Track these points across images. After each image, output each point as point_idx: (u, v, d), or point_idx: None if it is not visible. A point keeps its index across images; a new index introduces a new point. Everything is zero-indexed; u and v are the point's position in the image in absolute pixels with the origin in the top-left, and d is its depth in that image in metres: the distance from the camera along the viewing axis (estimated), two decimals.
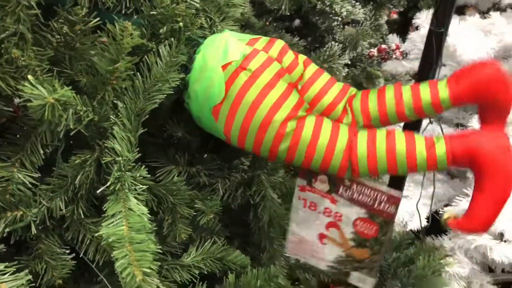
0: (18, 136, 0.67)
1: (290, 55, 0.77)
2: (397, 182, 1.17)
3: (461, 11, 1.77)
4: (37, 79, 0.54)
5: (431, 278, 1.25)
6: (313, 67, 0.79)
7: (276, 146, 0.72)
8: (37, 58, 0.60)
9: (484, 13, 1.65)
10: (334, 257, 0.90)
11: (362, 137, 0.72)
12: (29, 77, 0.53)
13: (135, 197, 0.63)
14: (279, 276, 0.82)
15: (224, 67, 0.71)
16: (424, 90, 0.72)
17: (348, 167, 0.72)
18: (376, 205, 0.80)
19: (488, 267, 1.71)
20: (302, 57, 0.79)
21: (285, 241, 0.94)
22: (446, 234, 1.69)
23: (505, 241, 1.46)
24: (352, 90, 0.78)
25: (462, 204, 1.53)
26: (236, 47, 0.73)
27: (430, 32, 1.03)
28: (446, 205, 1.68)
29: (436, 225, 1.69)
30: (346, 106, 0.76)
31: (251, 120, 0.71)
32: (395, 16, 2.57)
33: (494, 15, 1.49)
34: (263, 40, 0.77)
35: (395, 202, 0.79)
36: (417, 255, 1.30)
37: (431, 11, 1.70)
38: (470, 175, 1.66)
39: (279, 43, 0.78)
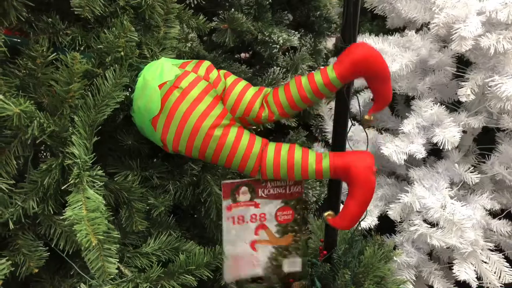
0: None
1: (214, 73, 0.96)
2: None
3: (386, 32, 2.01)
4: (7, 98, 0.71)
5: (378, 266, 1.39)
6: (232, 77, 0.97)
7: (204, 148, 0.90)
8: (6, 85, 0.77)
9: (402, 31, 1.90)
10: (267, 256, 1.07)
11: (271, 148, 0.94)
12: (0, 96, 0.70)
13: (93, 191, 0.79)
14: (223, 253, 0.97)
15: (160, 86, 0.89)
16: (317, 75, 0.92)
17: (258, 171, 0.93)
18: (288, 191, 1.00)
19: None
20: (222, 72, 0.98)
21: None
22: (396, 232, 1.85)
23: (440, 228, 1.63)
24: (267, 90, 0.97)
25: (403, 199, 1.71)
26: (170, 69, 0.92)
27: (339, 49, 1.23)
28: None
29: (386, 223, 1.87)
30: (263, 103, 0.95)
31: (183, 127, 0.89)
32: None
33: (411, 33, 1.73)
34: (192, 63, 0.96)
35: (300, 182, 1.00)
36: (366, 247, 1.45)
37: (366, 35, 1.94)
38: (412, 175, 1.84)
39: (206, 64, 0.97)
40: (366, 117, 1.02)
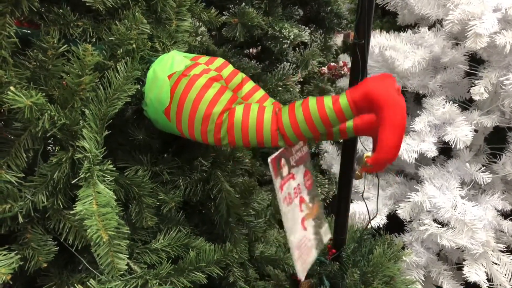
0: (4, 144, 0.82)
1: (229, 69, 0.94)
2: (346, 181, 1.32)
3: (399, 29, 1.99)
4: (18, 90, 0.70)
5: (388, 265, 1.37)
6: (250, 84, 0.95)
7: (218, 132, 0.87)
8: (17, 77, 0.76)
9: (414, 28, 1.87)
10: (312, 232, 0.98)
11: (285, 108, 0.85)
12: (11, 88, 0.68)
13: (104, 185, 0.78)
14: (234, 250, 0.96)
15: (169, 76, 0.88)
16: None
17: (279, 136, 0.85)
18: (303, 153, 0.94)
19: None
20: (242, 74, 0.95)
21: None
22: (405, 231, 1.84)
23: (451, 228, 1.61)
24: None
25: (413, 198, 1.69)
26: (180, 61, 0.90)
27: (354, 45, 1.21)
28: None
29: (395, 222, 1.85)
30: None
31: (195, 115, 0.86)
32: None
33: (423, 30, 1.70)
34: (205, 57, 0.94)
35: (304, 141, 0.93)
36: (376, 246, 1.44)
37: (377, 32, 1.92)
38: (422, 174, 1.82)
39: (220, 60, 0.95)
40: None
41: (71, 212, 0.76)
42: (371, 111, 0.82)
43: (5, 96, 0.69)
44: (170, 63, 0.89)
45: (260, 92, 0.96)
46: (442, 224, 1.67)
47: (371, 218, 1.51)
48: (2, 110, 0.77)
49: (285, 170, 0.90)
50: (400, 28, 1.99)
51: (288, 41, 1.67)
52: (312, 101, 0.83)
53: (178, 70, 0.87)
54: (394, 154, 0.82)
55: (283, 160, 0.90)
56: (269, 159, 0.86)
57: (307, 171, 0.96)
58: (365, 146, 1.60)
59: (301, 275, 0.96)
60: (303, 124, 0.83)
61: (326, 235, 1.03)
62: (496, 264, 1.69)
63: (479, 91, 1.59)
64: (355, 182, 1.84)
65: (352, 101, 0.81)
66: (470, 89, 1.66)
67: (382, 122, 0.81)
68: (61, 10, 0.87)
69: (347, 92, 0.83)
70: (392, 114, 0.79)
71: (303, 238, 0.95)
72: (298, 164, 0.93)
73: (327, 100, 0.83)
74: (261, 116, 0.85)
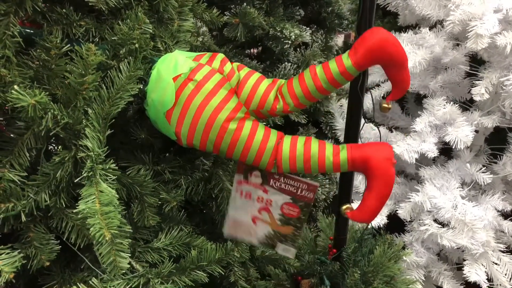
0: (7, 143, 0.82)
1: (228, 66, 0.95)
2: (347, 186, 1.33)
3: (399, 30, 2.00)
4: (21, 89, 0.70)
5: (388, 265, 1.37)
6: (245, 70, 0.96)
7: (219, 142, 0.88)
8: (21, 76, 0.76)
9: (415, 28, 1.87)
10: (264, 233, 1.06)
11: (287, 141, 0.91)
12: (15, 87, 0.69)
13: (106, 184, 0.78)
14: (235, 250, 0.96)
15: (174, 78, 0.88)
16: (332, 63, 0.90)
17: (274, 164, 0.91)
18: (299, 192, 0.99)
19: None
20: (236, 65, 0.96)
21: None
22: (405, 231, 1.84)
23: (451, 228, 1.62)
24: (281, 81, 0.96)
25: (414, 198, 1.69)
26: (184, 62, 0.91)
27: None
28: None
29: (396, 222, 1.85)
30: (277, 95, 0.93)
31: (198, 120, 0.87)
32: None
33: (424, 30, 1.71)
34: (206, 56, 0.95)
35: (313, 189, 0.98)
36: (376, 246, 1.44)
37: None
38: (423, 174, 1.82)
39: (220, 56, 0.96)
40: (385, 104, 1.00)
41: (74, 211, 0.76)
42: (364, 173, 0.91)
43: (9, 95, 0.70)
44: (174, 63, 0.89)
45: (255, 75, 0.97)
46: (443, 224, 1.67)
47: None
48: (5, 109, 0.77)
49: (254, 178, 0.99)
50: (401, 29, 2.00)
51: (289, 42, 1.68)
52: (314, 146, 0.90)
53: (183, 73, 0.87)
54: (372, 217, 0.93)
55: (256, 172, 0.98)
56: (239, 160, 0.95)
57: (294, 205, 1.01)
58: None
59: (225, 233, 1.06)
60: (300, 163, 0.90)
61: (284, 251, 1.08)
62: (496, 264, 1.69)
63: (480, 92, 1.60)
64: (356, 183, 1.84)
65: (351, 160, 0.89)
66: (470, 89, 1.66)
67: (370, 188, 0.90)
68: (64, 10, 0.87)
69: (348, 149, 0.90)
70: (381, 185, 0.89)
71: (246, 223, 1.04)
72: (281, 191, 1.00)
73: (328, 151, 0.90)
74: (264, 144, 0.90)
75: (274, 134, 0.92)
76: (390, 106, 1.01)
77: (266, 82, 0.95)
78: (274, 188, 0.99)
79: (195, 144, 0.91)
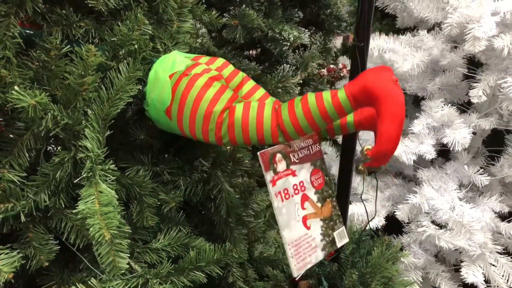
0: (7, 143, 0.82)
1: (230, 68, 0.95)
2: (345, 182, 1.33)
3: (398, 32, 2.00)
4: (21, 89, 0.70)
5: (386, 266, 1.38)
6: (251, 83, 0.96)
7: (219, 130, 0.87)
8: (21, 77, 0.77)
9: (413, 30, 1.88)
10: (319, 232, 0.96)
11: (284, 105, 0.86)
12: (16, 87, 0.69)
13: (106, 185, 0.79)
14: (233, 250, 0.96)
15: (171, 76, 0.88)
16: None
17: (278, 132, 0.85)
18: (311, 152, 0.94)
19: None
20: (242, 74, 0.96)
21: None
22: (403, 233, 1.85)
23: (449, 230, 1.62)
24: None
25: (412, 200, 1.70)
26: (181, 61, 0.91)
27: (353, 47, 1.22)
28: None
29: (394, 224, 1.86)
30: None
31: (196, 113, 0.87)
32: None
33: (422, 33, 1.72)
34: (206, 57, 0.95)
35: (316, 140, 0.95)
36: (374, 248, 1.44)
37: (376, 34, 1.93)
38: (421, 176, 1.83)
39: (220, 60, 0.96)
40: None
41: (73, 211, 0.76)
42: (370, 104, 0.82)
43: (9, 96, 0.70)
44: (172, 63, 0.90)
45: (261, 91, 0.97)
46: (440, 226, 1.68)
47: (370, 219, 1.51)
48: (5, 110, 0.77)
49: (281, 166, 0.90)
50: (399, 31, 2.01)
51: (288, 43, 1.69)
52: (311, 96, 0.84)
53: (179, 70, 0.88)
54: (393, 145, 0.82)
55: (279, 156, 0.90)
56: (258, 153, 0.87)
57: (316, 170, 0.96)
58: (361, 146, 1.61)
59: (295, 273, 0.92)
60: (303, 120, 0.83)
61: (342, 239, 1.00)
62: (493, 265, 1.70)
63: (477, 94, 1.61)
64: (354, 184, 1.85)
65: (351, 95, 0.81)
66: (468, 91, 1.67)
67: (380, 115, 0.80)
68: (63, 11, 0.88)
69: (346, 87, 0.83)
70: (390, 106, 0.79)
71: (304, 236, 0.93)
72: (302, 161, 0.93)
73: (326, 95, 0.83)
74: (261, 113, 0.85)
75: (269, 102, 0.88)
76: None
77: (269, 100, 0.94)
78: (296, 163, 0.92)
79: (199, 137, 0.90)
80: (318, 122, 0.83)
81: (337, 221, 0.99)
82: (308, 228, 0.94)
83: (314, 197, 0.95)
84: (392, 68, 0.81)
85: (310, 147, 0.95)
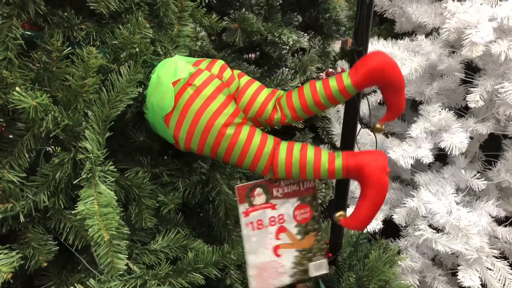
0: (7, 144, 0.83)
1: (228, 72, 0.96)
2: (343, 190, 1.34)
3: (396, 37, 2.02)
4: (23, 90, 0.71)
5: (383, 269, 1.38)
6: (245, 78, 0.97)
7: (216, 147, 0.89)
8: (22, 78, 0.77)
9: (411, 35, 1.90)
10: (291, 261, 1.01)
11: (283, 147, 0.92)
12: (17, 88, 0.70)
13: (105, 186, 0.79)
14: (231, 252, 0.97)
15: (174, 83, 0.89)
16: (332, 81, 0.91)
17: (270, 169, 0.92)
18: (302, 187, 0.98)
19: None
20: (236, 72, 0.97)
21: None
22: (400, 236, 1.85)
23: (446, 233, 1.63)
24: (280, 92, 0.97)
25: (409, 204, 1.71)
26: (183, 67, 0.92)
27: (352, 51, 1.23)
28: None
29: (391, 227, 1.86)
30: (276, 105, 0.95)
31: (196, 124, 0.88)
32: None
33: (420, 38, 1.73)
34: (206, 61, 0.96)
35: None
36: (371, 251, 1.45)
37: (375, 39, 1.94)
38: (418, 180, 1.84)
39: (219, 63, 0.97)
40: (378, 125, 1.00)
41: (72, 212, 0.77)
42: (359, 180, 0.91)
43: (11, 97, 0.70)
44: (174, 68, 0.90)
45: (255, 84, 0.98)
46: (437, 230, 1.69)
47: None
48: (6, 110, 0.78)
49: (259, 199, 0.97)
50: (398, 36, 2.02)
51: (287, 47, 1.69)
52: (310, 152, 0.91)
53: (183, 78, 0.89)
54: (364, 225, 0.93)
55: (258, 190, 0.97)
56: (236, 187, 0.95)
57: (303, 205, 1.00)
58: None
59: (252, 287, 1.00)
60: (296, 170, 0.91)
61: (318, 270, 1.05)
62: (490, 269, 1.70)
63: (475, 99, 1.61)
64: (352, 187, 1.86)
65: (346, 167, 0.90)
66: (466, 96, 1.68)
67: (364, 196, 0.90)
68: (65, 13, 0.88)
69: (344, 157, 0.91)
70: (375, 194, 0.89)
71: (271, 262, 0.99)
72: (287, 196, 0.99)
73: (324, 158, 0.91)
74: (261, 149, 0.91)
75: (271, 139, 0.93)
76: (383, 127, 1.01)
77: (265, 91, 0.96)
78: (279, 197, 0.98)
79: (193, 148, 0.92)
80: (309, 176, 0.92)
81: (318, 253, 1.04)
82: (278, 256, 1.00)
83: (293, 230, 1.01)
84: (387, 157, 0.92)
85: (301, 183, 0.99)
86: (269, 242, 0.98)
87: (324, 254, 1.07)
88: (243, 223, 0.96)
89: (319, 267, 1.06)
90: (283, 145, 0.93)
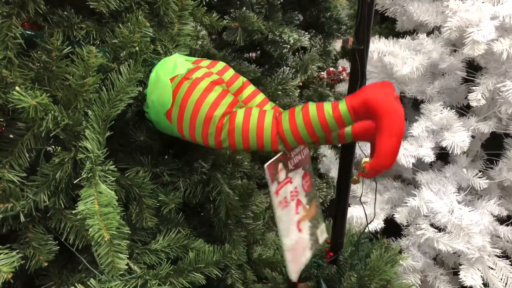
0: (7, 143, 0.83)
1: (230, 72, 0.95)
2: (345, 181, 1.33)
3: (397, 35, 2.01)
4: (22, 90, 0.71)
5: (385, 269, 1.38)
6: (251, 88, 0.96)
7: (219, 135, 0.88)
8: (22, 77, 0.77)
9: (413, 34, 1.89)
10: (308, 233, 0.99)
11: (285, 113, 0.87)
12: (17, 88, 0.70)
13: (105, 186, 0.79)
14: (232, 252, 0.97)
15: (172, 79, 0.89)
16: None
17: (278, 140, 0.86)
18: (303, 156, 0.95)
19: None
20: (243, 78, 0.96)
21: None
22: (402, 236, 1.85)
23: (448, 233, 1.63)
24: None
25: (411, 203, 1.70)
26: (182, 64, 0.91)
27: (353, 50, 1.23)
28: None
29: (392, 227, 1.86)
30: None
31: (196, 117, 0.87)
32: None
33: (422, 36, 1.72)
34: (206, 61, 0.96)
35: (304, 144, 0.93)
36: (373, 250, 1.45)
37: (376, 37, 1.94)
38: (420, 179, 1.83)
39: (221, 64, 0.96)
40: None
41: (73, 211, 0.77)
42: (370, 118, 0.84)
43: (11, 96, 0.70)
44: (173, 66, 0.90)
45: (260, 96, 0.97)
46: (439, 229, 1.68)
47: (369, 222, 1.52)
48: (6, 110, 0.78)
49: (282, 175, 0.91)
50: (399, 34, 2.01)
51: (288, 46, 1.69)
52: (312, 107, 0.85)
53: (180, 73, 0.88)
54: (391, 160, 0.84)
55: (280, 165, 0.91)
56: (265, 166, 0.87)
57: (306, 173, 0.97)
58: (363, 151, 1.62)
59: (294, 276, 0.96)
60: (302, 129, 0.84)
61: (322, 235, 1.04)
62: (492, 268, 1.70)
63: (476, 98, 1.61)
64: (353, 187, 1.85)
65: (352, 108, 0.82)
66: (467, 95, 1.68)
67: (380, 130, 0.82)
68: (65, 13, 0.88)
69: (347, 99, 0.84)
70: (390, 122, 0.81)
71: (298, 240, 0.96)
72: (296, 167, 0.94)
73: (327, 107, 0.84)
74: (262, 120, 0.86)
75: (269, 111, 0.88)
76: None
77: (268, 106, 0.94)
78: (292, 170, 0.93)
79: (198, 141, 0.91)
80: (318, 132, 0.85)
81: (319, 219, 1.02)
82: (300, 231, 0.97)
83: (304, 200, 0.97)
84: (393, 85, 0.82)
85: (302, 151, 0.96)
86: (293, 218, 0.95)
87: (322, 217, 1.06)
88: (275, 203, 0.90)
89: (322, 232, 1.05)
90: (285, 112, 0.87)
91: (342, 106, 0.83)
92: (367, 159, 0.88)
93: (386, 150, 0.83)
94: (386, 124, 0.81)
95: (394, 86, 0.83)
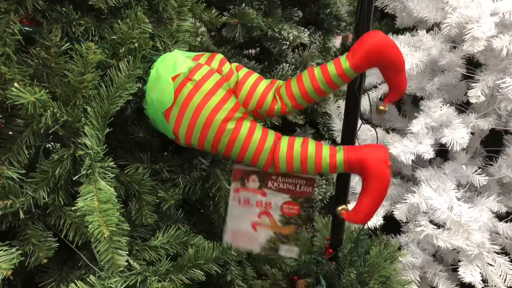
0: (6, 140, 0.83)
1: (227, 66, 0.95)
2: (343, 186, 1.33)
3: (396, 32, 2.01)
4: (21, 86, 0.71)
5: (384, 265, 1.38)
6: (244, 70, 0.97)
7: (217, 142, 0.89)
8: (21, 74, 0.77)
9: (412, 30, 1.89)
10: (265, 238, 1.05)
11: (284, 141, 0.92)
12: (15, 84, 0.69)
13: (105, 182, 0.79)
14: (232, 248, 0.97)
15: (173, 78, 0.89)
16: (330, 65, 0.91)
17: (271, 164, 0.92)
18: (297, 189, 1.00)
19: None
20: (234, 65, 0.97)
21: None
22: (401, 232, 1.85)
23: (447, 229, 1.63)
24: (279, 82, 0.96)
25: (410, 199, 1.70)
26: (183, 62, 0.91)
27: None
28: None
29: (392, 223, 1.86)
30: (276, 95, 0.94)
31: (196, 120, 0.88)
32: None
33: (422, 33, 1.72)
34: (205, 56, 0.95)
35: (312, 183, 0.99)
36: (372, 247, 1.45)
37: None
38: (419, 176, 1.83)
39: (219, 57, 0.96)
40: (381, 107, 1.01)
41: (72, 208, 0.77)
42: (361, 175, 0.91)
43: (9, 93, 0.70)
44: (173, 63, 0.90)
45: (254, 76, 0.97)
46: (438, 226, 1.68)
47: None
48: (5, 107, 0.77)
49: (252, 184, 1.00)
50: (399, 31, 2.01)
51: (287, 42, 1.69)
52: (311, 147, 0.91)
53: (182, 72, 0.88)
54: (367, 219, 0.94)
55: (253, 176, 1.00)
56: (234, 167, 0.98)
57: (293, 203, 1.02)
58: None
59: (224, 241, 1.04)
60: (297, 164, 0.91)
61: (288, 252, 1.07)
62: (491, 265, 1.70)
63: (476, 94, 1.61)
64: (352, 183, 1.85)
65: (347, 161, 0.90)
66: (467, 92, 1.68)
67: (366, 189, 0.90)
68: (63, 9, 0.88)
69: (345, 151, 0.90)
70: (377, 187, 0.89)
71: (247, 232, 1.03)
72: (280, 191, 1.01)
73: (325, 152, 0.91)
74: (263, 142, 0.91)
75: (271, 134, 0.93)
76: (386, 109, 1.01)
77: (264, 82, 0.95)
78: (272, 189, 1.00)
79: (193, 144, 0.91)
80: (310, 170, 0.92)
81: (292, 242, 1.06)
82: (255, 230, 1.04)
83: (277, 217, 1.03)
84: (387, 150, 0.93)
85: (298, 185, 1.00)
86: (250, 217, 1.02)
87: (298, 244, 1.09)
88: (231, 196, 1.01)
89: (290, 251, 1.09)
90: (284, 140, 0.92)
91: (339, 156, 0.90)
92: (345, 207, 0.98)
93: (366, 210, 0.92)
94: (373, 186, 0.89)
95: (388, 151, 0.93)
